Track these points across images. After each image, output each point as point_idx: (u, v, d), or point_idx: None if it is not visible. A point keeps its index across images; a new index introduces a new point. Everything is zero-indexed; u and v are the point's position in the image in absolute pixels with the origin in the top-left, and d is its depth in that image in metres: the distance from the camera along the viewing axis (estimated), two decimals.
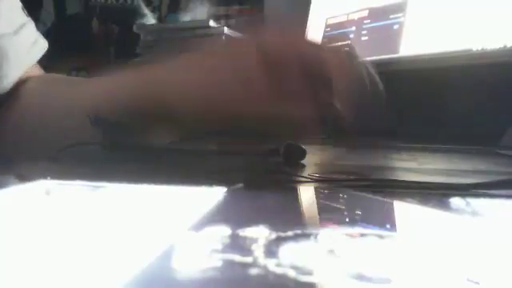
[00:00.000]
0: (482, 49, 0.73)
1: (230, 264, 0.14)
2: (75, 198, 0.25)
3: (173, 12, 1.40)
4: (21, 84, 0.56)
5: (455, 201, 0.27)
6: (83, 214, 0.22)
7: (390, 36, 0.89)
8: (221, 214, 0.22)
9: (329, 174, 0.41)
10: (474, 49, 0.74)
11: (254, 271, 0.13)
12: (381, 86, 0.46)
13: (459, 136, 0.68)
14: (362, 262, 0.15)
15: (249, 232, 0.17)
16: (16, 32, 0.56)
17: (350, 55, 0.50)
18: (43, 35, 0.61)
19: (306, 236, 0.18)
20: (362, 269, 0.14)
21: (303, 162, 0.44)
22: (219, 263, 0.14)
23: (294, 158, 0.44)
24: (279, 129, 0.44)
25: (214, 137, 0.55)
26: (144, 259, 0.14)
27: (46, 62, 0.62)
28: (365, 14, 0.97)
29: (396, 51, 0.88)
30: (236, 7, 1.36)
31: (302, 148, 0.45)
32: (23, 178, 0.27)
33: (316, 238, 0.18)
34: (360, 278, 0.13)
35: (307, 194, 0.31)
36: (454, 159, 0.54)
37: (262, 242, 0.16)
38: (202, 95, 0.43)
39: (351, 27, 1.00)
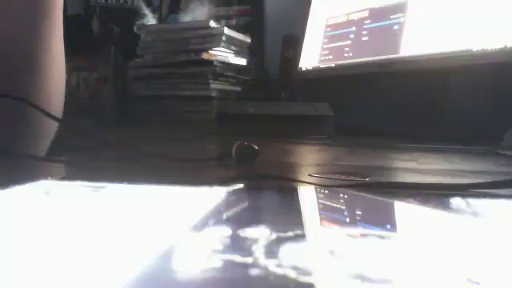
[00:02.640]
0: (482, 49, 0.73)
1: (230, 264, 0.14)
2: (75, 198, 0.25)
3: (173, 12, 1.40)
4: None
5: (455, 201, 0.27)
6: (83, 214, 0.22)
7: (391, 36, 0.89)
8: (221, 215, 0.22)
9: (329, 174, 0.41)
10: (474, 49, 0.74)
11: (254, 271, 0.13)
12: None
13: (459, 136, 0.68)
14: (362, 262, 0.15)
15: (249, 232, 0.17)
16: None
17: None
18: None
19: (306, 236, 0.18)
20: (362, 269, 0.14)
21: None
22: (220, 263, 0.14)
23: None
24: None
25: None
26: (145, 259, 0.14)
27: None
28: (365, 14, 0.97)
29: (396, 51, 0.88)
30: (236, 7, 1.36)
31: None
32: (23, 177, 0.27)
33: (316, 238, 0.18)
34: (360, 278, 0.13)
35: (307, 194, 0.31)
36: (454, 159, 0.54)
37: (262, 242, 0.16)
38: None
39: (351, 27, 1.00)
